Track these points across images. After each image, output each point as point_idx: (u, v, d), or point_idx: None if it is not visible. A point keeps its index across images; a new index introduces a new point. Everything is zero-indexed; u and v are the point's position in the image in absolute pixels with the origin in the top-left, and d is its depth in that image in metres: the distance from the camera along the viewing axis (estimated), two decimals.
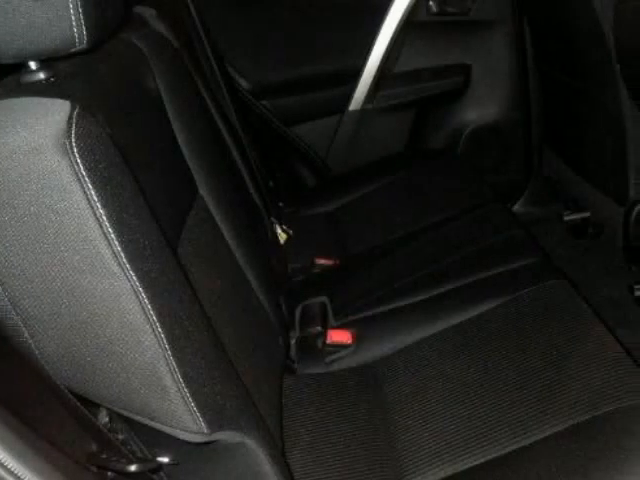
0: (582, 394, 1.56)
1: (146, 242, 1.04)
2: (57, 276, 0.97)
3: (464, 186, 2.71)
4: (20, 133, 0.92)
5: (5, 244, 0.95)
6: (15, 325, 1.00)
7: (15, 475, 0.83)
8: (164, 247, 1.12)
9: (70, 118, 0.94)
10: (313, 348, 1.98)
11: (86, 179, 0.93)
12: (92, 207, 0.93)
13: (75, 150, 0.92)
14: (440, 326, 1.92)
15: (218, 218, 1.68)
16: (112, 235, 0.95)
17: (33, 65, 1.08)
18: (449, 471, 1.52)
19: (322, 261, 2.46)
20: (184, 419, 1.09)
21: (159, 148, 1.47)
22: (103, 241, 0.95)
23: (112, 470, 1.08)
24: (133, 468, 1.08)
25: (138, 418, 1.11)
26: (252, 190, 2.41)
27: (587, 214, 3.07)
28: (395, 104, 3.18)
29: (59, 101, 0.96)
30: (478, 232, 2.33)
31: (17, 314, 0.99)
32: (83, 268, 0.96)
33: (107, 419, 1.16)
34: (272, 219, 2.53)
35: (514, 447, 1.51)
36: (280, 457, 1.40)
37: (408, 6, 2.98)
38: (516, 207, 3.39)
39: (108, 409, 1.14)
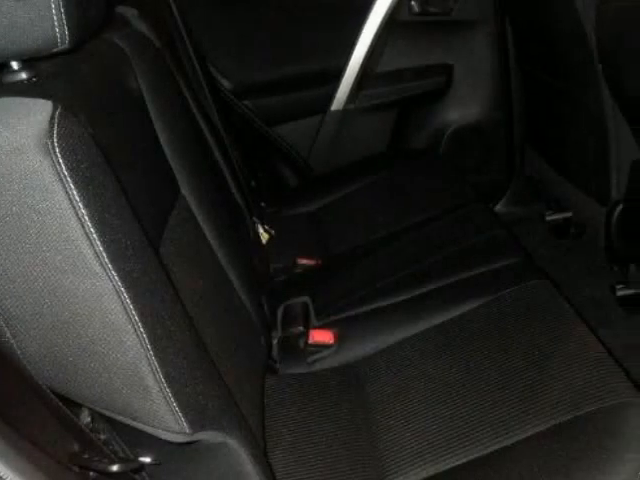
0: (564, 394, 1.56)
1: (128, 242, 1.04)
2: (39, 276, 0.96)
3: (446, 186, 2.71)
4: (2, 133, 0.91)
5: None
6: None
7: None
8: (146, 247, 1.11)
9: (52, 118, 0.93)
10: (295, 348, 1.98)
11: (68, 179, 0.92)
12: (74, 207, 0.93)
13: (57, 150, 0.92)
14: (422, 326, 1.92)
15: (200, 218, 1.68)
16: (94, 235, 0.95)
17: (15, 65, 1.08)
18: (431, 471, 1.52)
19: (304, 261, 2.46)
20: (166, 419, 1.08)
21: (141, 148, 1.47)
22: (85, 241, 0.95)
23: (94, 470, 1.08)
24: (115, 468, 1.08)
25: (120, 418, 1.11)
26: (234, 190, 2.41)
27: (569, 214, 3.09)
28: (377, 104, 3.19)
29: (41, 101, 0.96)
30: (460, 232, 2.33)
31: None
32: (65, 268, 0.96)
33: (89, 419, 1.15)
34: (254, 219, 2.52)
35: (496, 447, 1.51)
36: (262, 457, 1.40)
37: (390, 6, 2.99)
38: (498, 207, 3.40)
39: (90, 409, 1.14)
